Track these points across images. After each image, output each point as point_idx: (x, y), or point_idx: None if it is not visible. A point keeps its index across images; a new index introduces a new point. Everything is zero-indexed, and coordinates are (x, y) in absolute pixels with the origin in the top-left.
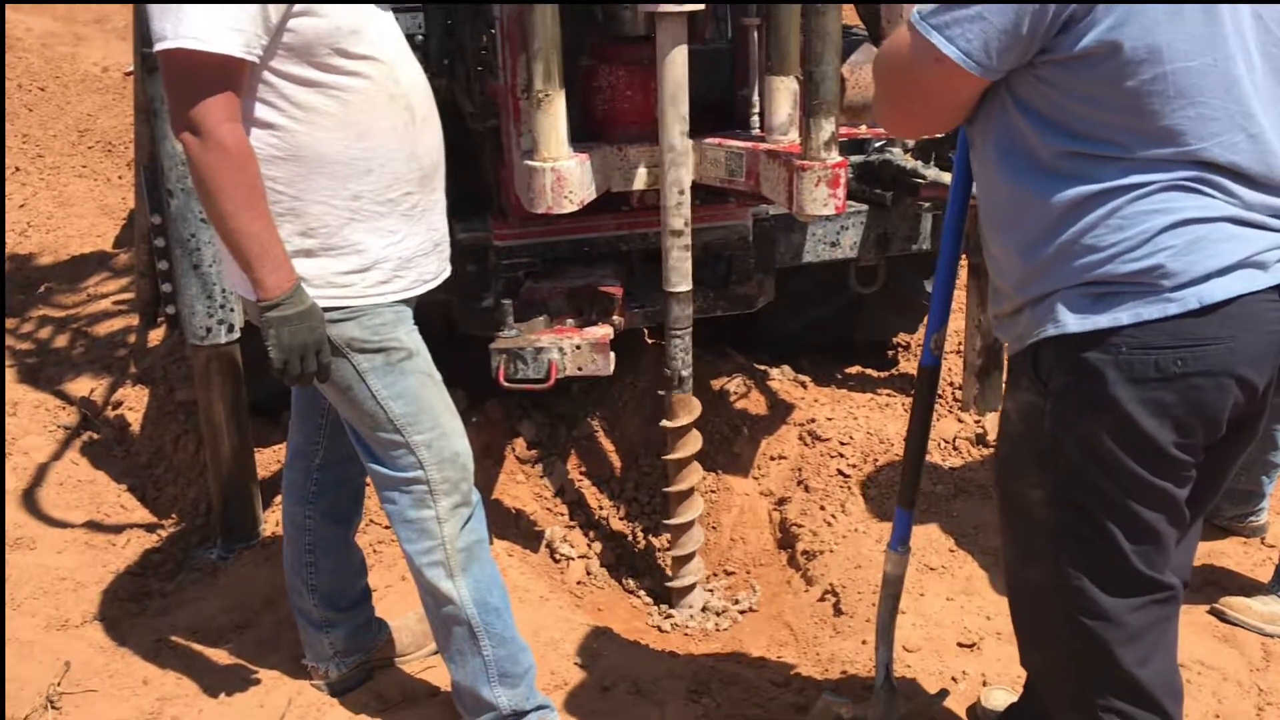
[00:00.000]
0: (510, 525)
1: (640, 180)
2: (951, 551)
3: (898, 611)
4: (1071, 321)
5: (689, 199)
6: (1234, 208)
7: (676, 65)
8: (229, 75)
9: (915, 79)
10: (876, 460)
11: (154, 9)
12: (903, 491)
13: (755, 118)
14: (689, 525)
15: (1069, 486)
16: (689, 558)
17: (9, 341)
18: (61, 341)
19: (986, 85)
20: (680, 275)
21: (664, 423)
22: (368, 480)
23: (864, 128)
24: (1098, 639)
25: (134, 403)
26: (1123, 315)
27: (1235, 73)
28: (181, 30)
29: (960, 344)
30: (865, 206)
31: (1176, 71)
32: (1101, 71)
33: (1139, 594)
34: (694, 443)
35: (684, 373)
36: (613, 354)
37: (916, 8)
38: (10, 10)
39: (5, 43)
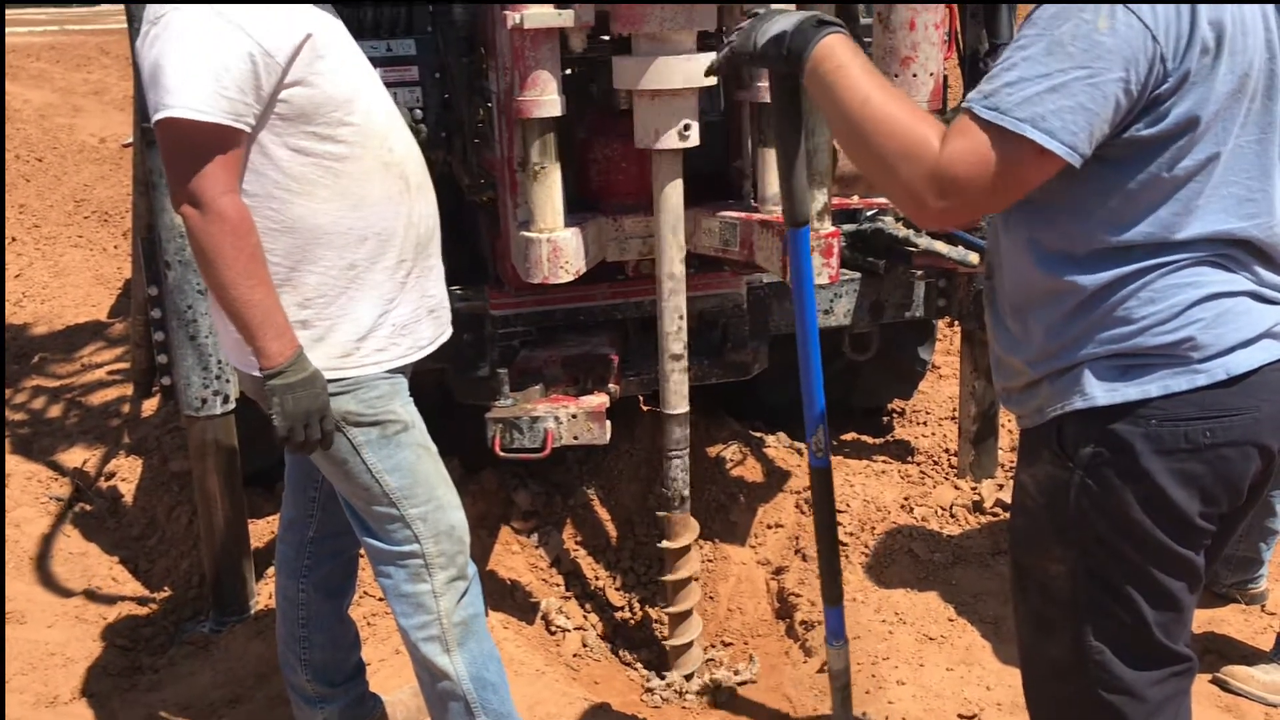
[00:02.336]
0: (505, 597)
1: (635, 250)
2: (951, 621)
3: (850, 703)
4: (1100, 394)
5: (686, 325)
6: (1252, 283)
7: (673, 197)
8: (225, 145)
9: (1008, 176)
10: (874, 528)
11: (149, 81)
12: (825, 589)
13: (749, 188)
14: (687, 647)
15: (1094, 559)
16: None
17: None
18: (55, 412)
19: None
20: (678, 397)
21: (663, 543)
22: (361, 553)
23: (856, 198)
24: (1120, 714)
25: (127, 473)
26: (1152, 387)
27: (1272, 153)
28: (176, 100)
29: (955, 410)
30: (858, 274)
31: (1230, 151)
32: (1168, 150)
33: (1160, 666)
34: (693, 563)
35: (683, 493)
36: (609, 422)
37: (987, 100)
38: (9, 83)
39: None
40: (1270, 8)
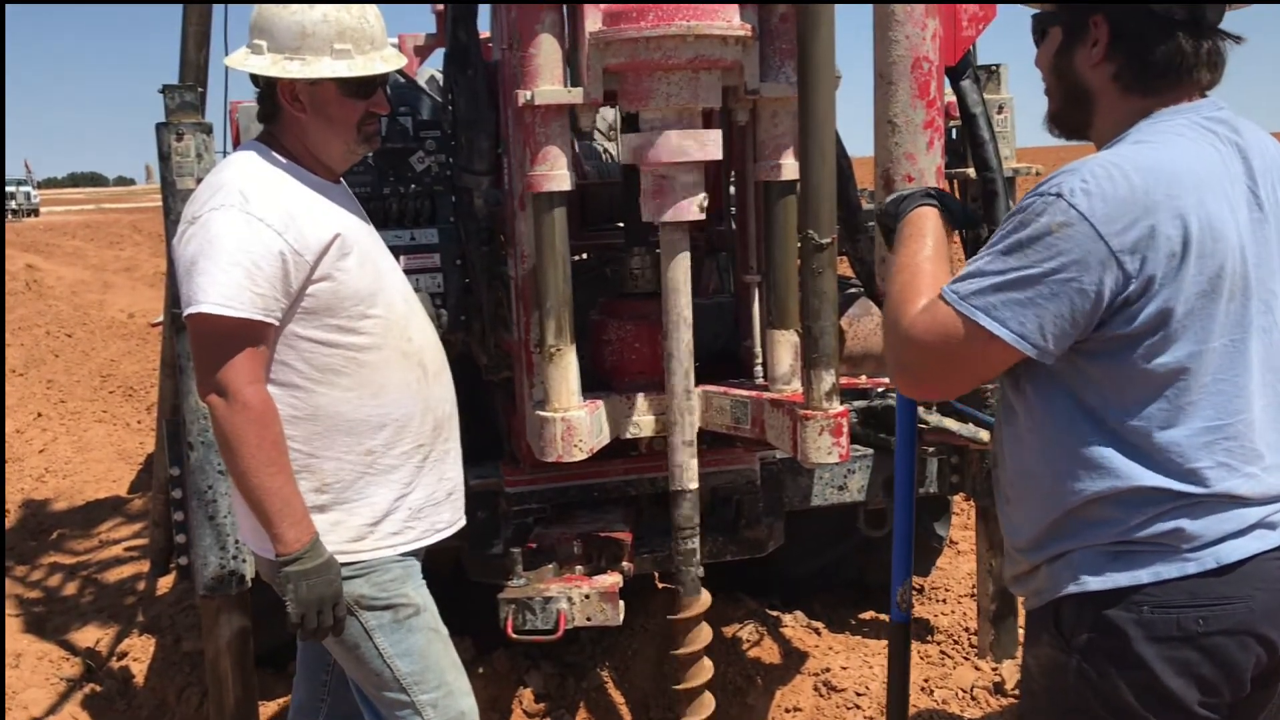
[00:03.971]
0: None
1: (648, 427)
2: None
3: None
4: (1092, 580)
5: (697, 406)
6: (1238, 490)
7: (680, 270)
8: (253, 338)
9: (961, 357)
10: None
11: (183, 275)
12: None
13: (759, 367)
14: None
15: None
16: None
17: (18, 590)
18: (70, 589)
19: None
20: (687, 472)
21: (672, 615)
22: None
23: (864, 377)
24: None
25: (139, 653)
26: (1142, 574)
27: (1248, 353)
28: (207, 296)
29: (974, 587)
30: (871, 451)
31: (1209, 351)
32: (1145, 348)
33: None
34: (704, 636)
35: (694, 573)
36: (622, 603)
37: (952, 285)
38: (42, 259)
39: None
40: (1242, 212)
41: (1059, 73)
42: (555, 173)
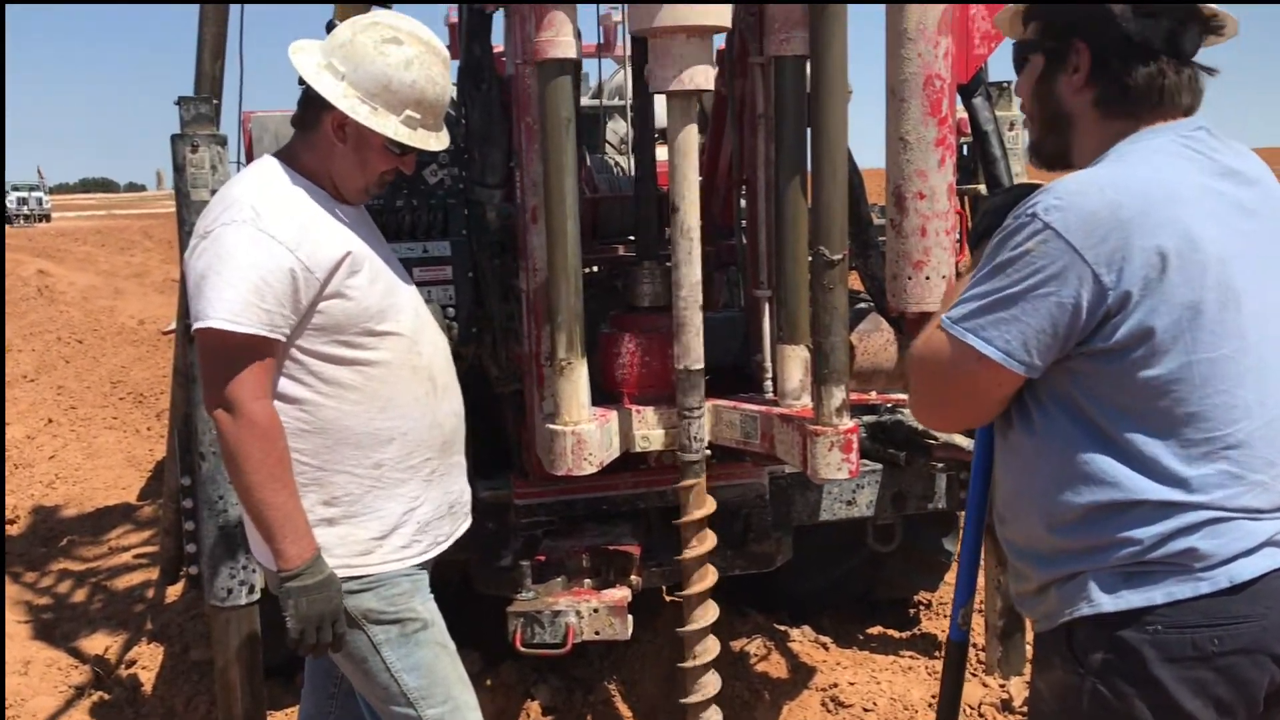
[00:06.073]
0: None
1: (657, 441)
2: None
3: None
4: (1106, 601)
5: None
6: (1245, 499)
7: (688, 141)
8: (260, 354)
9: (958, 380)
10: None
11: (194, 289)
12: None
13: (768, 382)
14: (705, 596)
15: None
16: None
17: (27, 597)
18: (80, 596)
19: (1024, 379)
20: (694, 350)
21: (678, 520)
22: None
23: (874, 393)
24: None
25: (148, 661)
26: (1156, 595)
27: (1247, 361)
28: (216, 311)
29: (981, 604)
30: (880, 465)
31: (1200, 362)
32: (1131, 361)
33: None
34: (708, 503)
35: (699, 457)
36: (630, 617)
37: (947, 313)
38: (54, 264)
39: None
40: (1230, 225)
41: (1040, 99)
42: (561, 39)
